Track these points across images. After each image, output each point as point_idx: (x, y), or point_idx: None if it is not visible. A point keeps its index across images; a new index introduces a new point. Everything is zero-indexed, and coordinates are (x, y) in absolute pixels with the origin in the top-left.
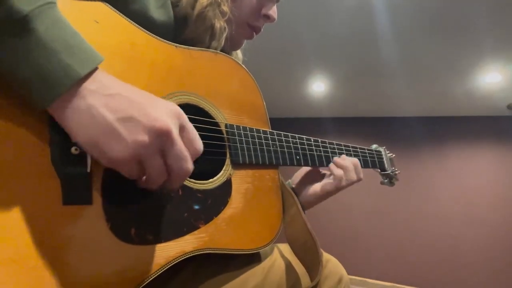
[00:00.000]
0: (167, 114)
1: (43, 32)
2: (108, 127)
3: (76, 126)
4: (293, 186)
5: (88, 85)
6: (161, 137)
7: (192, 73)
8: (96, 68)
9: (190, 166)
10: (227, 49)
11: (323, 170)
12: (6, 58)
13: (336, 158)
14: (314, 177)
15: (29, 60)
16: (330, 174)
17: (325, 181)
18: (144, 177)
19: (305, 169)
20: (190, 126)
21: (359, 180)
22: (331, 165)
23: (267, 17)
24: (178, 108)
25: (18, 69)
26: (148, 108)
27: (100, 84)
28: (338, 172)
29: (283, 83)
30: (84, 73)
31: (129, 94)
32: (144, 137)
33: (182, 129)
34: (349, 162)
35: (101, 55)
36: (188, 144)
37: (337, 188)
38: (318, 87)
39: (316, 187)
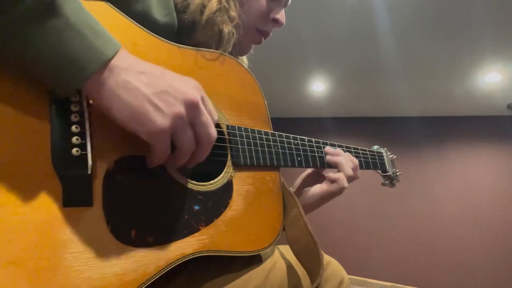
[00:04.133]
0: (192, 87)
1: (71, 15)
2: (147, 100)
3: (116, 101)
4: (294, 189)
5: (119, 63)
6: (193, 108)
7: (194, 74)
8: (119, 49)
9: (215, 132)
10: (235, 55)
11: (325, 173)
12: (38, 40)
13: (327, 149)
14: (315, 179)
15: (60, 41)
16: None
17: (325, 182)
18: (175, 152)
19: (306, 172)
20: (207, 97)
21: (355, 175)
22: (327, 157)
23: (276, 22)
24: (197, 82)
25: (49, 50)
26: (176, 82)
27: (129, 62)
28: (336, 159)
29: (283, 83)
30: (112, 53)
31: (155, 71)
32: (180, 109)
33: (202, 100)
34: (339, 150)
35: (118, 41)
36: (208, 112)
37: (338, 183)
38: (318, 87)
39: (316, 188)
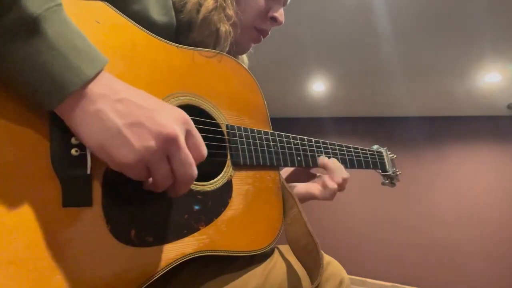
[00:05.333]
0: (174, 120)
1: (52, 34)
2: (116, 132)
3: (85, 129)
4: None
5: (97, 89)
6: (168, 143)
7: (193, 74)
8: (101, 70)
9: (194, 172)
10: (233, 54)
11: (312, 171)
12: (16, 59)
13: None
14: (303, 176)
15: (38, 62)
16: (318, 175)
17: (311, 183)
18: (150, 179)
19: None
20: (195, 132)
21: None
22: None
23: (274, 20)
24: (185, 114)
25: (27, 70)
26: (156, 113)
27: (109, 88)
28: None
29: (283, 83)
30: (92, 74)
31: (137, 99)
32: (151, 143)
33: (188, 134)
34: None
35: (105, 57)
36: (193, 149)
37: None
38: (318, 87)
39: (303, 187)
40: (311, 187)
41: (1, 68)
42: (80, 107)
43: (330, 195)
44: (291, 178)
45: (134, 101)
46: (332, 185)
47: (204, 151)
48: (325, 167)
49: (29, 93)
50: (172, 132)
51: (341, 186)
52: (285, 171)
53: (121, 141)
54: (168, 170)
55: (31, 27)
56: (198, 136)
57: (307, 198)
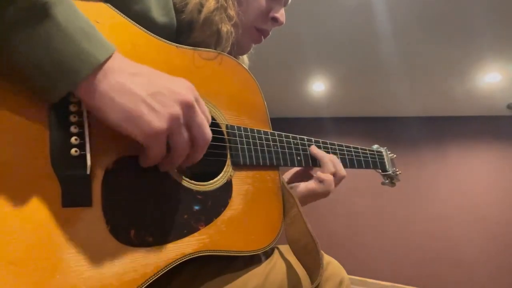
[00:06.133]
0: (186, 89)
1: (63, 19)
2: (142, 101)
3: (110, 104)
4: None
5: (112, 65)
6: (188, 109)
7: (193, 74)
8: (111, 55)
9: (210, 133)
10: (234, 54)
11: (313, 173)
12: (27, 45)
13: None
14: (303, 177)
15: (50, 46)
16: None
17: (313, 181)
18: (170, 153)
19: (295, 169)
20: (200, 99)
21: (341, 177)
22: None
23: (275, 20)
24: (191, 83)
25: (39, 56)
26: (170, 83)
27: (122, 64)
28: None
29: (283, 83)
30: (104, 58)
31: (149, 72)
32: (176, 109)
33: (196, 101)
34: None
35: (112, 44)
36: (203, 113)
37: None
38: (318, 87)
39: (302, 186)
40: (309, 183)
41: (12, 56)
42: (100, 85)
43: (328, 186)
44: (292, 180)
45: (147, 74)
46: (327, 176)
47: (209, 114)
48: (315, 157)
49: (42, 79)
50: (189, 99)
51: (337, 175)
52: (287, 174)
53: (148, 110)
54: (188, 137)
55: (41, 12)
56: (202, 103)
57: (309, 195)
